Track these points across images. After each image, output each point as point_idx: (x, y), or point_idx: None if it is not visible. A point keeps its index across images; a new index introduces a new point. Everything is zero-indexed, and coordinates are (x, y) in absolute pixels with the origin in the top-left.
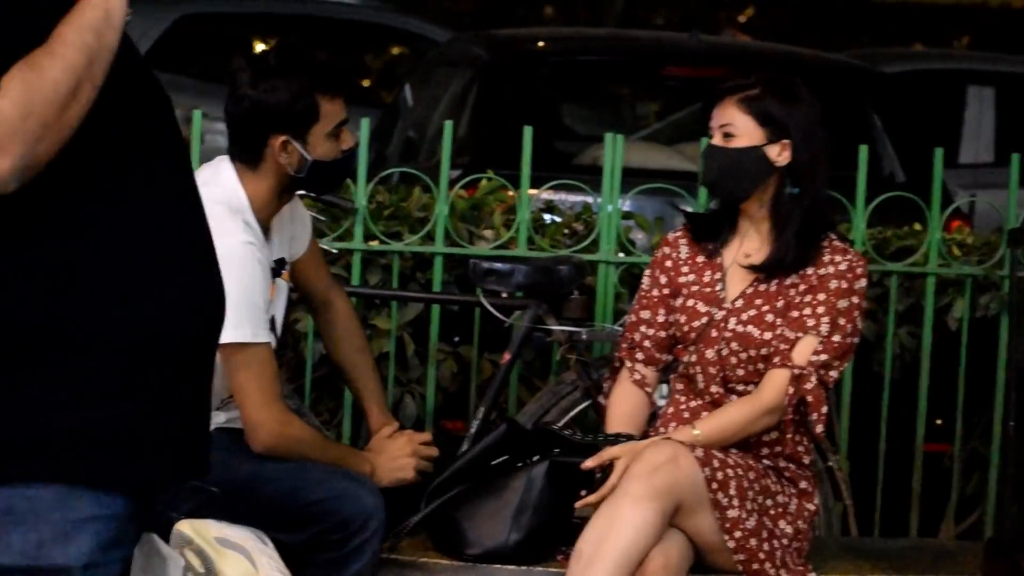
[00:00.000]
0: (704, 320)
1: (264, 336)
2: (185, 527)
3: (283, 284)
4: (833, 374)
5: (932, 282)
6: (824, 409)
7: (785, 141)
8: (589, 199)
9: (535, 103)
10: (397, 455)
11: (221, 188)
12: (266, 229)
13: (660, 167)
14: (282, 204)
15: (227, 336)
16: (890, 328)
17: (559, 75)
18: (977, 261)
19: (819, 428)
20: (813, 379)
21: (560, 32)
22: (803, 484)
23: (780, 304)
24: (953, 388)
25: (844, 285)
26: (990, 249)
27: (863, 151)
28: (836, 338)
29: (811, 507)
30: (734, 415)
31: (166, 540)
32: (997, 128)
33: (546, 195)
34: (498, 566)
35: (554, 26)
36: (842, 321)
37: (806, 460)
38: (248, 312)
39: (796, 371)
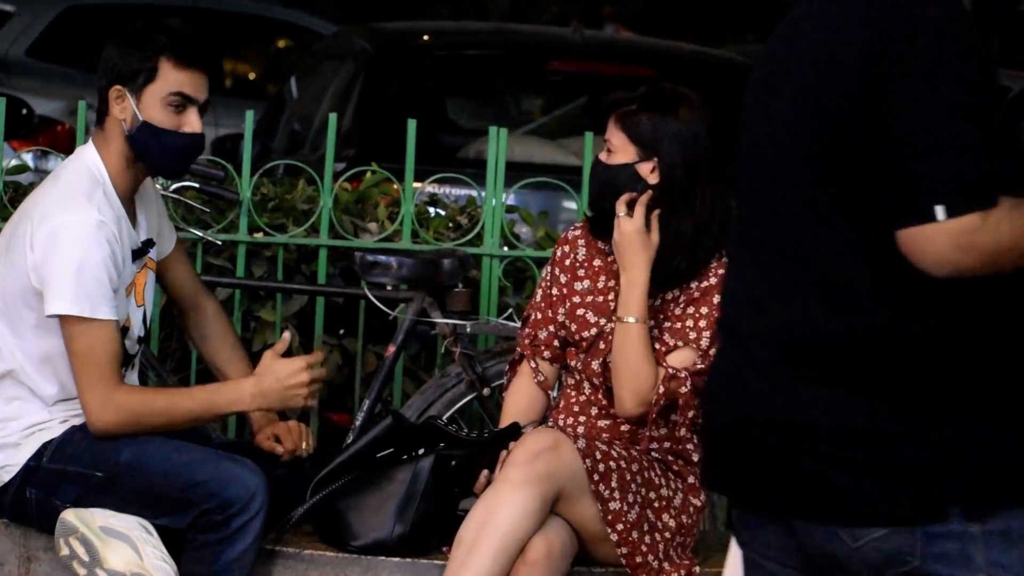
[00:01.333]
0: (594, 331)
1: (106, 314)
2: (70, 516)
3: (151, 273)
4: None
5: None
6: (691, 413)
7: (655, 160)
8: (473, 193)
9: (419, 96)
10: (287, 377)
11: (81, 161)
12: (131, 208)
13: (544, 161)
14: (138, 177)
15: (63, 307)
16: None
17: (443, 69)
18: None
19: (683, 431)
20: (687, 384)
21: (445, 26)
22: (691, 479)
23: (663, 321)
24: None
25: None
26: None
27: None
28: (714, 351)
29: (697, 502)
30: (640, 363)
31: (52, 530)
32: None
33: (430, 188)
34: (383, 558)
35: (439, 20)
36: None
37: (695, 457)
38: (90, 287)
39: (671, 371)
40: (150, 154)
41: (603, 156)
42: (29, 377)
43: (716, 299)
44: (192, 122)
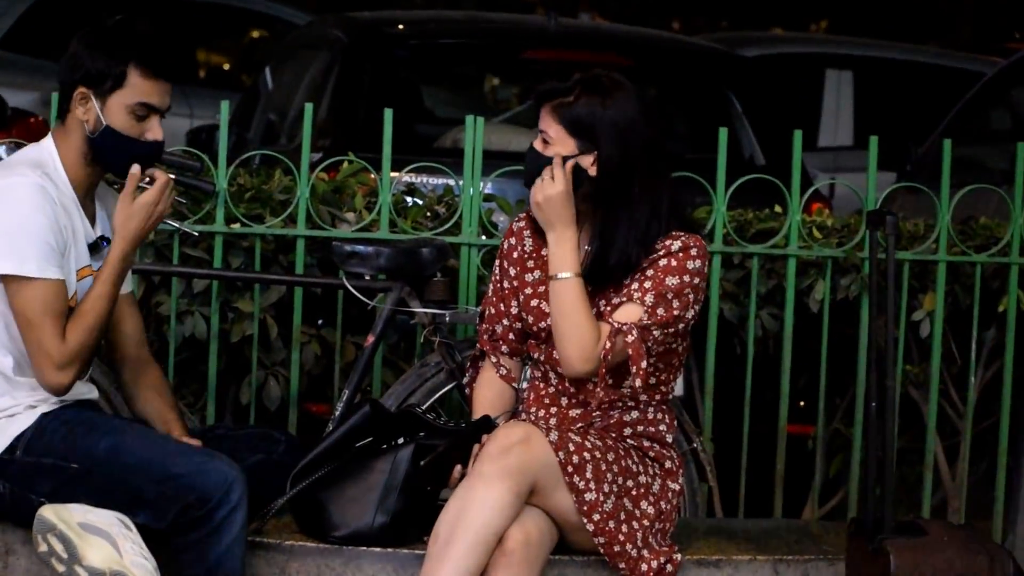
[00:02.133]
0: (550, 321)
1: (52, 273)
2: (48, 512)
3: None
4: (656, 334)
5: (793, 264)
6: (644, 364)
7: (595, 153)
8: (451, 182)
9: (395, 86)
10: (138, 209)
11: (38, 148)
12: (88, 204)
13: (521, 150)
14: (96, 174)
15: (6, 267)
16: (752, 310)
17: (419, 58)
18: (837, 243)
19: (637, 382)
20: (634, 333)
21: (419, 15)
22: (668, 464)
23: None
24: (815, 370)
25: (673, 263)
26: (849, 231)
27: (723, 134)
28: (660, 311)
29: (675, 487)
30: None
31: (30, 525)
32: (856, 111)
33: (407, 178)
34: (364, 548)
35: (413, 9)
36: (669, 296)
37: (669, 439)
38: (35, 247)
39: (616, 325)
40: (110, 157)
41: (538, 145)
42: None
43: (662, 263)
44: (154, 129)
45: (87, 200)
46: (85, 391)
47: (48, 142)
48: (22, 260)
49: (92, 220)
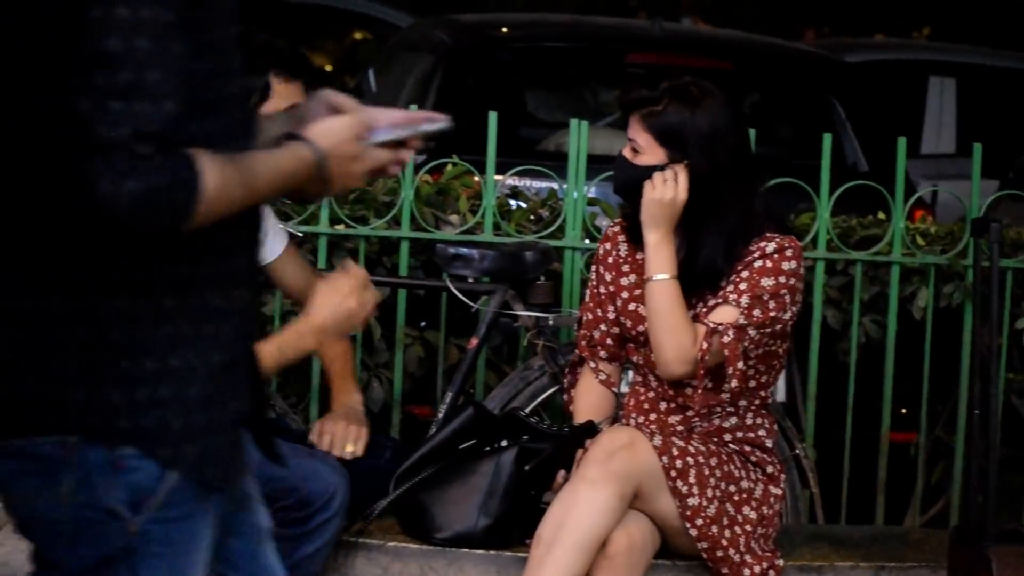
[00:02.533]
0: (647, 324)
1: None
2: None
3: None
4: (752, 334)
5: (896, 271)
6: (740, 364)
7: (686, 161)
8: (554, 185)
9: (499, 89)
10: (338, 306)
11: None
12: None
13: None
14: None
15: None
16: (855, 316)
17: (522, 61)
18: (940, 251)
19: (734, 383)
20: (730, 334)
21: (523, 18)
22: (769, 469)
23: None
24: (918, 377)
25: (768, 264)
26: (953, 239)
27: (827, 140)
28: (756, 312)
29: (777, 491)
30: (677, 320)
31: None
32: (958, 118)
33: (511, 181)
34: (467, 550)
35: (517, 12)
36: (765, 297)
37: (769, 444)
38: None
39: (712, 325)
40: None
41: (628, 154)
42: None
43: (757, 265)
44: None
45: None
46: None
47: None
48: None
49: None
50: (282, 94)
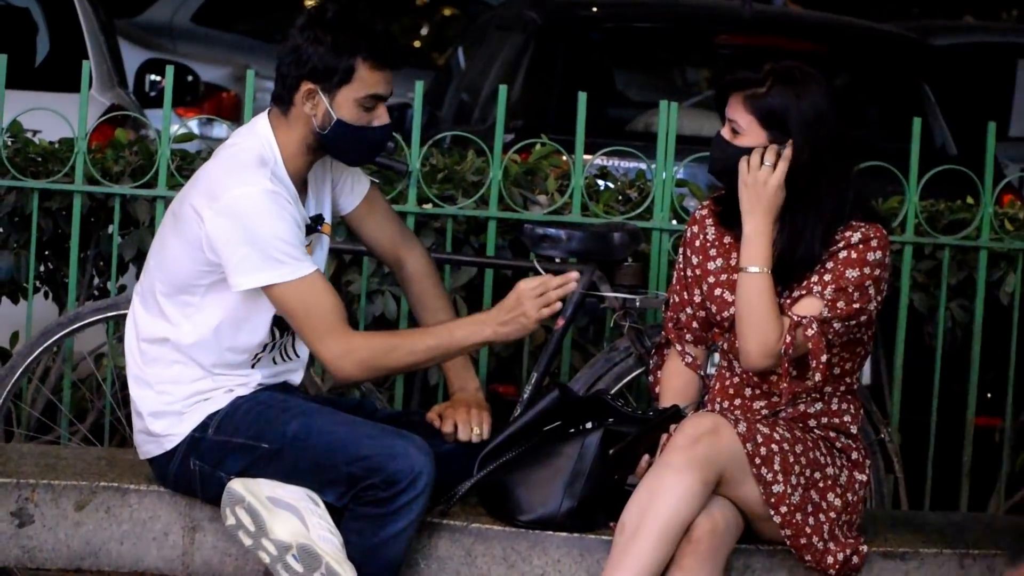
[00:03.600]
0: (733, 310)
1: (305, 268)
2: (238, 485)
3: (324, 238)
4: (837, 327)
5: (984, 256)
6: (824, 358)
7: (788, 142)
8: (643, 166)
9: (588, 68)
10: (512, 306)
11: (255, 138)
12: (301, 186)
13: (713, 135)
14: (313, 160)
15: (264, 279)
16: (942, 301)
17: (612, 41)
18: None
19: (817, 377)
20: (814, 327)
21: None
22: (854, 455)
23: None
24: (1004, 362)
25: (854, 255)
26: None
27: (916, 124)
28: (841, 304)
29: (862, 478)
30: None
31: (218, 502)
32: None
33: (600, 161)
34: (550, 533)
35: None
36: (850, 289)
37: (854, 429)
38: (282, 252)
39: (796, 318)
40: (340, 149)
41: (727, 134)
42: (186, 347)
43: (842, 255)
44: (382, 116)
45: (301, 183)
46: (286, 371)
47: (265, 131)
48: (276, 267)
49: (303, 198)
50: (366, 80)
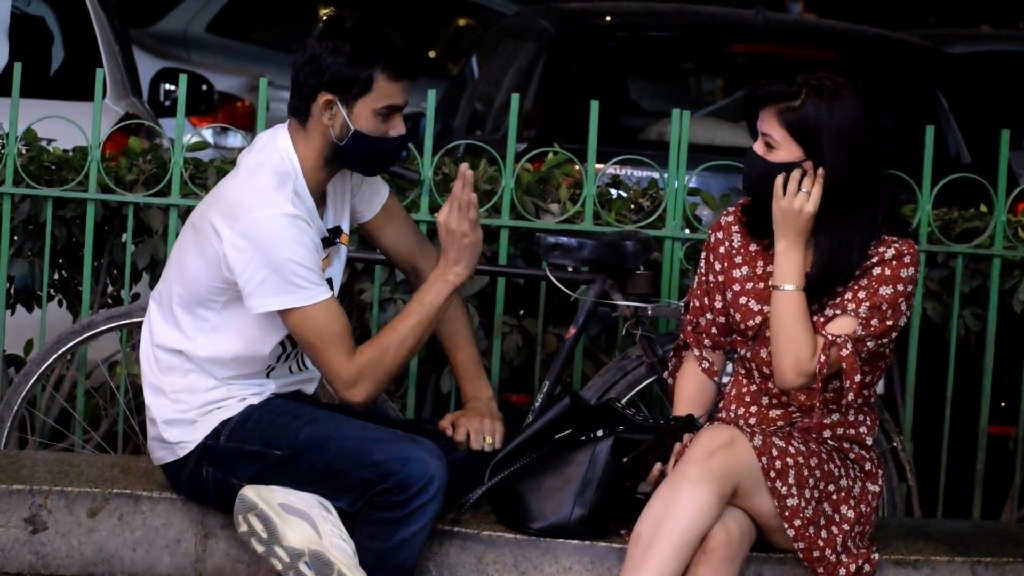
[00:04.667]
0: (758, 319)
1: (322, 294)
2: (250, 492)
3: (342, 248)
4: (870, 345)
5: (998, 264)
6: (857, 377)
7: (821, 170)
8: (655, 175)
9: (601, 77)
10: (447, 242)
11: (276, 153)
12: (320, 197)
13: (726, 144)
14: (332, 173)
15: (283, 303)
16: (955, 310)
17: (625, 50)
18: None
19: (851, 396)
20: (848, 347)
21: (626, 7)
22: (867, 466)
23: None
24: (1017, 370)
25: (887, 272)
26: None
27: (929, 132)
28: (875, 323)
29: (875, 488)
30: (799, 332)
31: (230, 509)
32: None
33: (612, 170)
34: (561, 540)
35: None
36: (884, 307)
37: (869, 441)
38: (300, 277)
39: (830, 337)
40: (358, 159)
41: (759, 149)
42: (201, 360)
43: (876, 272)
44: (398, 125)
45: (320, 195)
46: (300, 381)
47: (285, 143)
48: (292, 292)
49: (322, 210)
50: (384, 91)
